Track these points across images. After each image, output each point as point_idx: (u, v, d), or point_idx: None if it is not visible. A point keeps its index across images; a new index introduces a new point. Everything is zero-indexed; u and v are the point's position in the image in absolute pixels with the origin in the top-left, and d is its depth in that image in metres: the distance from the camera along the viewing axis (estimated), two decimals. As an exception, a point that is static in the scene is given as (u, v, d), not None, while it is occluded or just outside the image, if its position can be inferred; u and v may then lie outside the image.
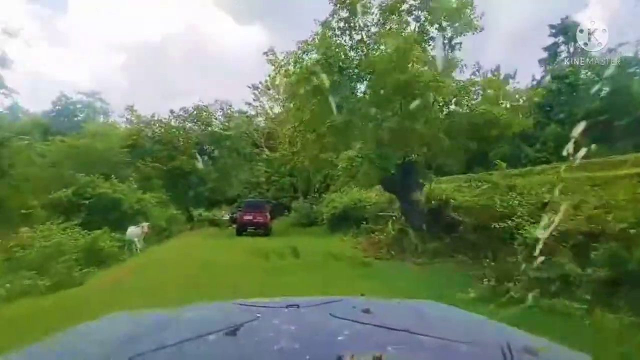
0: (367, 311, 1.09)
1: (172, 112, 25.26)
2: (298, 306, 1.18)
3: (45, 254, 7.98)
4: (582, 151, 1.65)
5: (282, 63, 10.13)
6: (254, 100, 44.87)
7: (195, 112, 24.57)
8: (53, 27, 51.71)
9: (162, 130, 22.14)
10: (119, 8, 54.43)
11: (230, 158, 24.33)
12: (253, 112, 40.81)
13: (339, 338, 0.89)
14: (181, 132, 23.58)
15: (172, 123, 24.20)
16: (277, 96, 46.43)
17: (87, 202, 12.28)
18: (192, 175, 20.99)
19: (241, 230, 16.93)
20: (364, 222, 14.40)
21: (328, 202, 17.62)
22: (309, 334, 0.98)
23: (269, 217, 17.60)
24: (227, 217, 31.10)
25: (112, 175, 13.50)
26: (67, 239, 9.16)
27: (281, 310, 1.17)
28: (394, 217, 12.80)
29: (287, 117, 18.59)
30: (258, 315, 1.07)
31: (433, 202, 10.62)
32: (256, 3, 53.56)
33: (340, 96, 9.30)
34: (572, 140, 1.55)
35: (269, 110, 46.36)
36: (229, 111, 25.22)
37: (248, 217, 16.92)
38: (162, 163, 19.21)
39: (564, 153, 1.65)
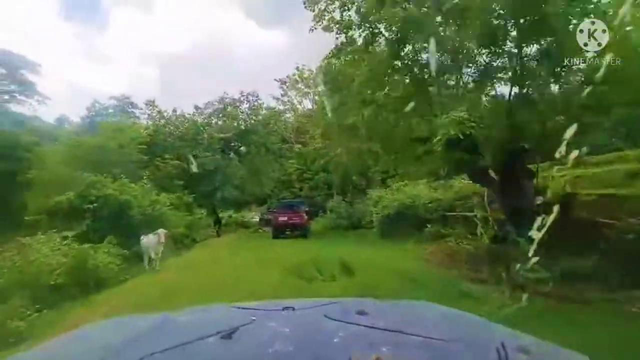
0: (362, 313, 1.09)
1: (196, 108, 23.46)
2: (293, 308, 1.17)
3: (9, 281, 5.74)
4: (575, 153, 1.52)
5: (324, 6, 7.23)
6: (282, 95, 42.74)
7: (221, 107, 22.54)
8: (93, 44, 54.13)
9: (185, 126, 20.21)
10: (151, 23, 56.30)
11: (258, 154, 21.97)
12: (281, 107, 38.50)
13: (335, 340, 0.88)
14: (206, 128, 21.65)
15: (197, 119, 22.34)
16: (306, 89, 44.16)
17: (91, 206, 10.18)
18: (217, 174, 18.78)
19: (278, 233, 15.65)
20: (427, 225, 11.27)
21: (376, 200, 14.56)
22: (304, 337, 0.97)
23: (306, 217, 16.05)
24: (257, 218, 29.03)
25: (122, 175, 11.37)
26: (53, 255, 6.96)
27: (277, 313, 1.16)
28: (475, 218, 9.56)
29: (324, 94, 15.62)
30: (253, 318, 1.06)
31: (548, 196, 7.30)
32: (280, 8, 52.37)
33: (416, 42, 6.25)
34: (564, 142, 1.38)
35: (297, 105, 44.12)
36: (256, 103, 22.84)
37: (283, 219, 15.60)
38: (183, 161, 17.15)
39: (556, 155, 1.48)
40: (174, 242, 13.13)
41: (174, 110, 20.55)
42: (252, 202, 32.65)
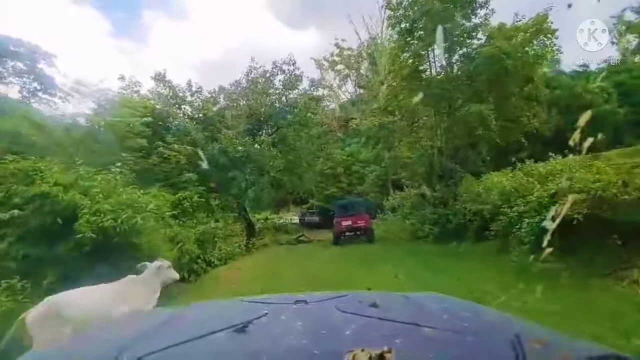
0: (374, 305, 1.09)
1: (222, 88, 18.73)
2: (306, 302, 1.17)
3: None
4: (589, 141, 1.33)
5: None
6: (318, 79, 37.18)
7: (249, 85, 17.58)
8: (136, 57, 55.05)
9: (203, 106, 15.52)
10: (188, 34, 58.18)
11: (298, 140, 16.76)
12: (319, 93, 32.84)
13: (347, 332, 0.87)
14: (231, 111, 16.90)
15: (220, 98, 17.63)
16: (347, 71, 38.02)
17: (6, 215, 5.42)
18: (247, 163, 13.82)
19: (339, 239, 14.54)
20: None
21: (510, 192, 8.50)
22: (317, 329, 0.95)
23: (369, 218, 14.72)
24: (296, 219, 24.23)
25: (78, 159, 6.57)
26: None
27: (289, 307, 1.15)
28: None
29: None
30: (266, 312, 1.06)
31: None
32: (309, 8, 49.77)
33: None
34: (579, 130, 1.23)
35: (337, 90, 38.17)
36: (293, 74, 17.52)
37: (347, 223, 14.26)
38: (198, 146, 12.21)
39: (570, 143, 1.28)
40: (179, 268, 8.24)
41: (189, 84, 15.84)
42: (290, 200, 27.75)
